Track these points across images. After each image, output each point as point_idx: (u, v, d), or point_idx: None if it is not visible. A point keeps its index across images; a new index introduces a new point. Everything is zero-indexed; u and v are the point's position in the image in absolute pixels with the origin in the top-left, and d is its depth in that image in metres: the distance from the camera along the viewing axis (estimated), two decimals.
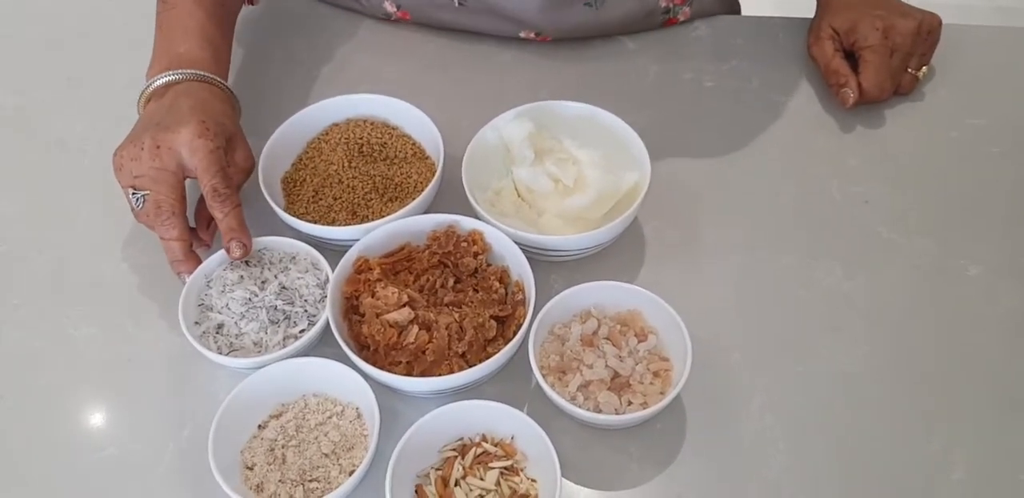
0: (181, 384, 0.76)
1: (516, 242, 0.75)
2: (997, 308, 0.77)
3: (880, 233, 0.81)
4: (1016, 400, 0.72)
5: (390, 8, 0.97)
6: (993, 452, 0.70)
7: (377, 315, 0.72)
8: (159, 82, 0.79)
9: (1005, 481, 0.69)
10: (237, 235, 0.75)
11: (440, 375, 0.69)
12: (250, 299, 0.74)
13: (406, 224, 0.76)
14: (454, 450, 0.69)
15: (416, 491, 0.68)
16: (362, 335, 0.72)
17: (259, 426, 0.72)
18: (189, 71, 0.79)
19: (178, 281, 0.76)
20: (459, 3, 0.91)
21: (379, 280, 0.73)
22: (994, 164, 0.85)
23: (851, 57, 0.90)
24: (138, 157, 0.74)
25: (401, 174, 0.82)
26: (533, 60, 0.95)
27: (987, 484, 0.69)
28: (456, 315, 0.72)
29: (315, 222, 0.78)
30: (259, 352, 0.73)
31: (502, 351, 0.69)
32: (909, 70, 0.89)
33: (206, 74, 0.80)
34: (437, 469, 0.69)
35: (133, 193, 0.75)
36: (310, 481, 0.69)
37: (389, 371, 0.69)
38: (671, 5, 0.95)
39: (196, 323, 0.75)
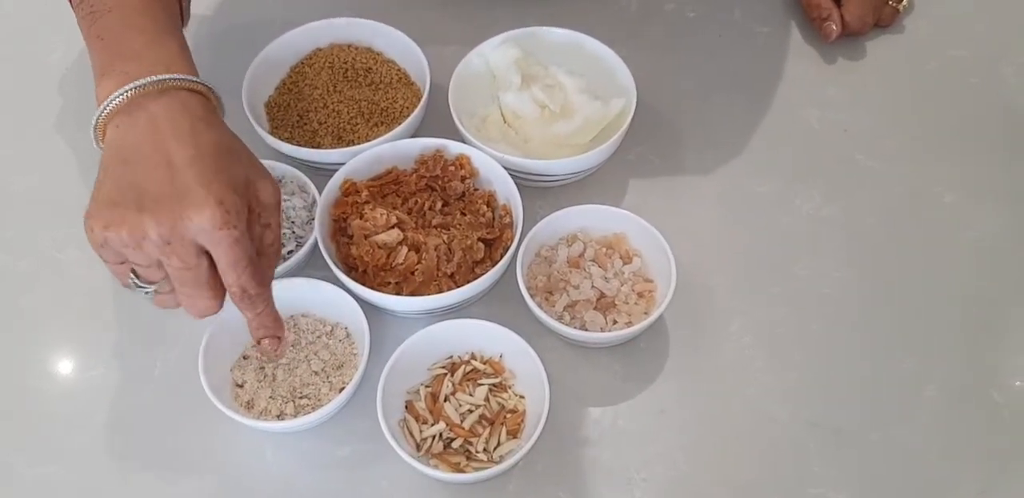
0: None
1: (504, 167, 0.75)
2: (970, 233, 0.79)
3: (858, 161, 0.83)
4: (987, 321, 0.75)
5: None
6: (965, 370, 0.73)
7: (366, 237, 0.72)
8: (118, 100, 0.59)
9: (976, 398, 0.71)
10: (272, 331, 0.63)
11: (429, 295, 0.70)
12: None
13: (393, 148, 0.77)
14: (443, 368, 0.71)
15: (406, 406, 0.69)
16: (351, 257, 0.72)
17: (248, 346, 0.72)
18: (163, 76, 0.59)
19: None
20: None
21: (367, 202, 0.74)
22: (972, 94, 0.87)
23: None
24: (137, 245, 0.56)
25: (387, 99, 0.82)
26: None
27: (959, 401, 0.71)
28: (444, 237, 0.72)
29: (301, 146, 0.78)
30: None
31: (491, 271, 0.70)
32: (890, 3, 0.90)
33: (189, 78, 0.61)
34: (427, 386, 0.70)
35: (137, 284, 0.60)
36: (300, 398, 0.70)
37: (379, 292, 0.70)
38: None
39: None
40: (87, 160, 0.84)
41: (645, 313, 0.72)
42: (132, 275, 0.60)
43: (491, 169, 0.76)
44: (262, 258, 0.61)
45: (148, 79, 0.59)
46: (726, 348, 0.74)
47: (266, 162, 0.77)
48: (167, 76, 0.60)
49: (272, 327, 0.62)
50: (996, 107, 0.86)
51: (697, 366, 0.73)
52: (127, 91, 0.59)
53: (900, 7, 0.90)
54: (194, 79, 0.61)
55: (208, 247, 0.57)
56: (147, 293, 0.61)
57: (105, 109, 0.59)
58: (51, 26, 0.93)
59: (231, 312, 0.69)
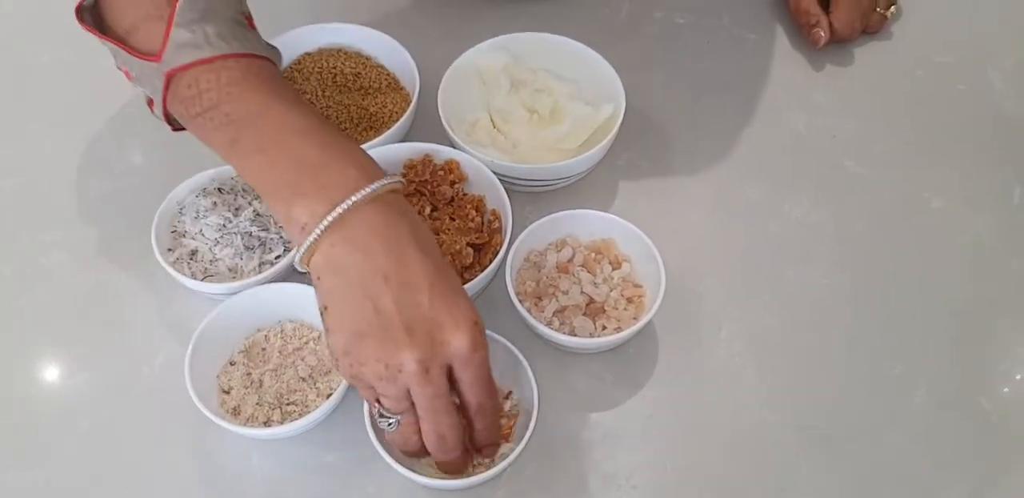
0: (154, 311, 0.76)
1: (493, 171, 0.75)
2: (957, 239, 0.79)
3: (847, 166, 0.83)
4: (975, 327, 0.75)
5: None
6: (953, 376, 0.73)
7: None
8: (330, 222, 0.53)
9: (964, 404, 0.71)
10: (494, 438, 0.62)
11: None
12: (224, 225, 0.74)
13: (382, 152, 0.76)
14: None
15: None
16: None
17: (235, 352, 0.72)
18: (375, 187, 0.54)
19: (149, 209, 0.74)
20: None
21: None
22: (959, 101, 0.87)
23: None
24: (392, 379, 0.53)
25: (376, 104, 0.82)
26: None
27: (947, 407, 0.71)
28: None
29: None
30: (234, 278, 0.73)
31: (479, 276, 0.70)
32: (878, 10, 0.91)
33: (395, 180, 0.56)
34: None
35: (381, 415, 0.58)
36: (287, 404, 0.69)
37: None
38: None
39: (169, 250, 0.74)
40: (73, 163, 0.83)
41: (634, 318, 0.71)
42: (378, 405, 0.57)
43: (480, 174, 0.75)
44: None
45: (363, 194, 0.54)
46: (716, 353, 0.74)
47: None
48: (377, 185, 0.54)
49: (496, 435, 0.61)
50: (984, 112, 0.86)
51: (687, 372, 0.73)
52: (342, 210, 0.53)
53: (888, 14, 0.91)
54: (398, 179, 0.56)
55: (459, 369, 0.54)
56: (390, 424, 0.58)
57: (318, 232, 0.53)
58: (43, 28, 0.92)
59: (214, 322, 0.69)
